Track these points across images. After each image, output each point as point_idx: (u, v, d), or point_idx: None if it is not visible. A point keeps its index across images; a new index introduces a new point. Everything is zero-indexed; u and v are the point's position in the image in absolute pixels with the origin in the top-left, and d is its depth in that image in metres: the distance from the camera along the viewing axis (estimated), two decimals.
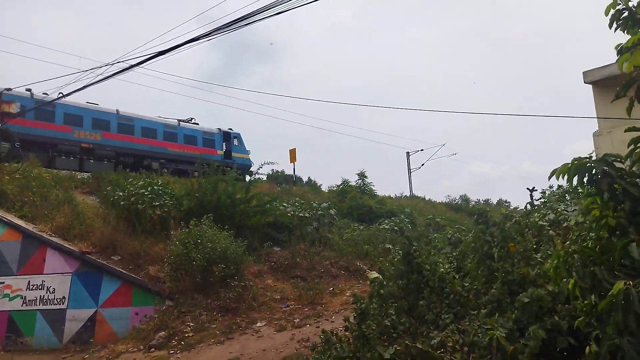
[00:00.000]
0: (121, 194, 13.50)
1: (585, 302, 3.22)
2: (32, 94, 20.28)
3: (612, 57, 3.31)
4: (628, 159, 3.31)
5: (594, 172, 3.29)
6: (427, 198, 34.73)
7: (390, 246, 13.24)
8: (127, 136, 22.86)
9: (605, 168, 3.27)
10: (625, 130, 3.27)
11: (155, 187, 13.77)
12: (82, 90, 11.08)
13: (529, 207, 9.00)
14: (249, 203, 14.69)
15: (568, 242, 4.93)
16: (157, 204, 13.28)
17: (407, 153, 43.11)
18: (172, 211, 14.22)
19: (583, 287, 3.18)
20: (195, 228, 11.90)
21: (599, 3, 3.63)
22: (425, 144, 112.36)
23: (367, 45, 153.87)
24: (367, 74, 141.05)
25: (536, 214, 7.57)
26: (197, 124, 25.86)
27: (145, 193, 13.30)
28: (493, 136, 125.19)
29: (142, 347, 10.08)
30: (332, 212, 17.49)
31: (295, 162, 27.71)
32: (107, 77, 9.61)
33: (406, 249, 6.96)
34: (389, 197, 29.08)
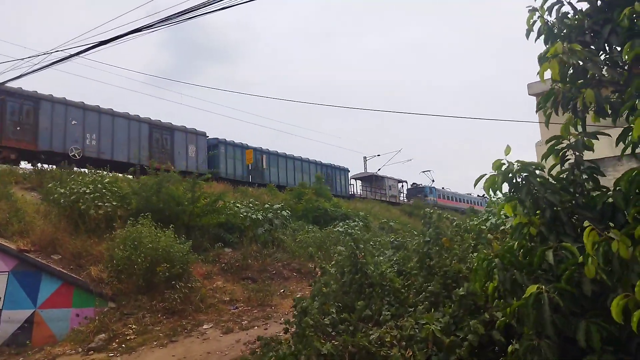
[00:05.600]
0: (62, 191, 12.92)
1: (506, 304, 3.32)
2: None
3: None
4: (552, 167, 3.42)
5: (515, 181, 3.39)
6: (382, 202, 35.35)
7: (343, 248, 13.38)
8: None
9: (527, 176, 3.37)
10: (546, 142, 3.39)
11: (98, 186, 13.21)
12: (17, 80, 10.57)
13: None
14: (196, 203, 14.41)
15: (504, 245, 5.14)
16: (100, 203, 12.78)
17: (364, 158, 43.97)
18: (119, 210, 13.76)
19: (502, 290, 3.27)
20: (132, 228, 11.54)
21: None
22: (382, 148, 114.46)
23: (324, 49, 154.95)
24: (324, 77, 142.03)
25: (477, 219, 7.83)
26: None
27: (87, 191, 12.77)
28: (446, 143, 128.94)
29: (80, 349, 9.67)
30: (284, 213, 17.42)
31: (251, 164, 27.48)
32: (45, 66, 9.17)
33: (352, 250, 7.06)
34: (345, 200, 29.29)
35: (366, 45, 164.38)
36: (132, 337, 9.91)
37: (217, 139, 26.33)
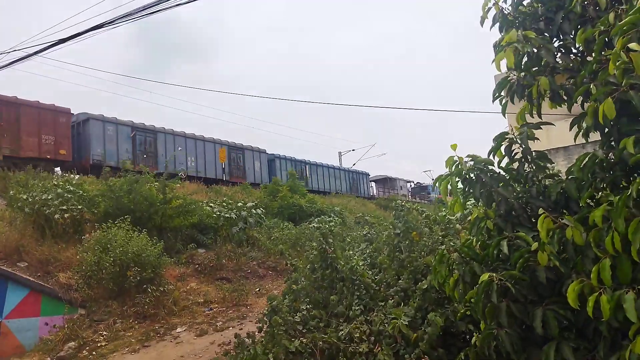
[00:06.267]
0: (24, 197, 12.47)
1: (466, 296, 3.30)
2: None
3: None
4: (500, 161, 3.42)
5: (469, 177, 3.37)
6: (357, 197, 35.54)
7: (314, 244, 13.36)
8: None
9: (478, 173, 3.35)
10: (493, 139, 3.37)
11: (59, 191, 12.81)
12: None
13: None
14: (168, 204, 14.14)
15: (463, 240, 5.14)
16: (65, 207, 12.39)
17: (339, 153, 44.35)
18: (87, 214, 13.39)
19: (463, 284, 3.25)
20: (102, 233, 11.25)
21: None
22: (356, 143, 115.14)
23: (296, 45, 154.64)
24: (297, 73, 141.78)
25: (446, 210, 7.85)
26: None
27: (49, 197, 12.37)
28: (423, 136, 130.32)
29: (49, 359, 9.39)
30: (258, 211, 17.27)
31: (225, 162, 27.19)
32: (2, 66, 8.81)
33: (321, 245, 6.99)
34: (321, 195, 29.26)
35: (341, 40, 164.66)
36: (103, 344, 9.66)
37: (274, 154, 30.90)
